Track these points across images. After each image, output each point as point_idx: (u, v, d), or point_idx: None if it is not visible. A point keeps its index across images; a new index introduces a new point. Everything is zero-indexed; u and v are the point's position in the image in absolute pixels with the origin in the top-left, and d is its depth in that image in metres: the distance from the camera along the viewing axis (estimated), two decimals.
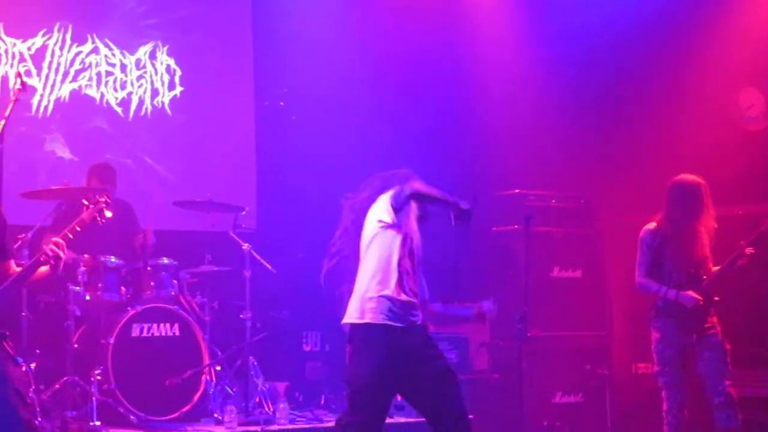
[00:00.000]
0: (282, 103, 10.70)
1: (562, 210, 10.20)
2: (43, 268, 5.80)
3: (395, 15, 11.44)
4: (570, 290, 10.00)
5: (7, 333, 5.69)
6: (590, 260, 10.13)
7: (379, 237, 6.09)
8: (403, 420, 8.75)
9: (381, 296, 5.99)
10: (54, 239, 5.80)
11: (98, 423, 8.04)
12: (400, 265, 6.04)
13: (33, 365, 8.14)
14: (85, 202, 6.12)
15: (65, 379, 8.30)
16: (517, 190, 10.11)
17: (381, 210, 6.15)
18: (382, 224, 6.11)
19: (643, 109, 10.73)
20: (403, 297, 6.01)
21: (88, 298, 8.67)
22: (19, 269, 5.86)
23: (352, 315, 6.07)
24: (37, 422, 7.69)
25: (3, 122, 7.88)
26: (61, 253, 5.76)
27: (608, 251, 10.17)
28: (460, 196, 6.06)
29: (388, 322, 5.96)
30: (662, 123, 10.50)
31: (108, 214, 6.10)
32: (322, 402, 9.58)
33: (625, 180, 10.44)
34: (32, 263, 5.79)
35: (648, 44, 10.62)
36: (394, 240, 6.08)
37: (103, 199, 6.10)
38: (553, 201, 10.18)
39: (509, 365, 9.27)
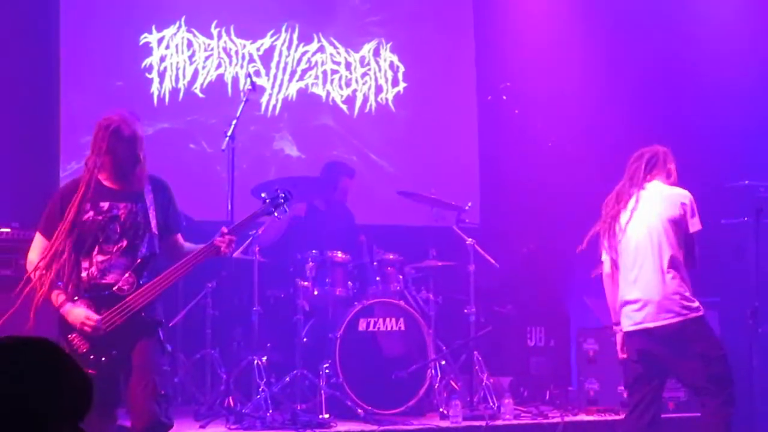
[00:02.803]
0: (505, 97, 10.68)
1: None
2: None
3: (623, 6, 11.27)
4: None
5: (163, 321, 5.80)
6: None
7: None
8: None
9: None
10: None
11: (327, 416, 8.17)
12: None
13: (264, 359, 8.39)
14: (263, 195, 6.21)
15: (295, 372, 8.48)
16: (746, 181, 9.83)
17: None
18: None
19: None
20: None
21: (316, 293, 8.84)
22: (188, 244, 5.92)
23: None
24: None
25: (235, 121, 8.18)
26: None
27: None
28: None
29: None
30: None
31: (285, 210, 6.17)
32: (547, 398, 9.51)
33: None
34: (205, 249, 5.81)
35: None
36: None
37: (282, 195, 6.13)
38: None
39: (739, 361, 9.02)
